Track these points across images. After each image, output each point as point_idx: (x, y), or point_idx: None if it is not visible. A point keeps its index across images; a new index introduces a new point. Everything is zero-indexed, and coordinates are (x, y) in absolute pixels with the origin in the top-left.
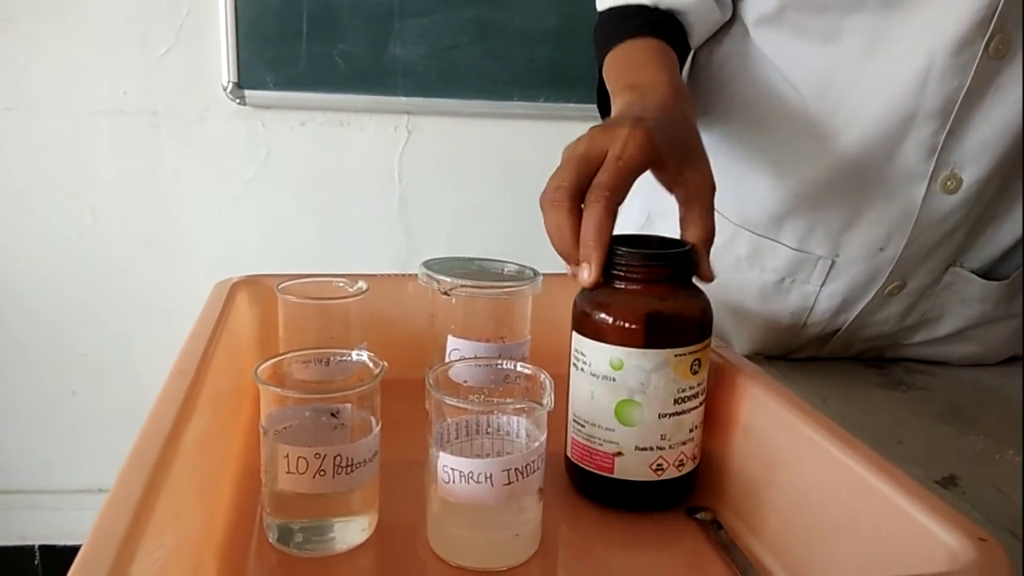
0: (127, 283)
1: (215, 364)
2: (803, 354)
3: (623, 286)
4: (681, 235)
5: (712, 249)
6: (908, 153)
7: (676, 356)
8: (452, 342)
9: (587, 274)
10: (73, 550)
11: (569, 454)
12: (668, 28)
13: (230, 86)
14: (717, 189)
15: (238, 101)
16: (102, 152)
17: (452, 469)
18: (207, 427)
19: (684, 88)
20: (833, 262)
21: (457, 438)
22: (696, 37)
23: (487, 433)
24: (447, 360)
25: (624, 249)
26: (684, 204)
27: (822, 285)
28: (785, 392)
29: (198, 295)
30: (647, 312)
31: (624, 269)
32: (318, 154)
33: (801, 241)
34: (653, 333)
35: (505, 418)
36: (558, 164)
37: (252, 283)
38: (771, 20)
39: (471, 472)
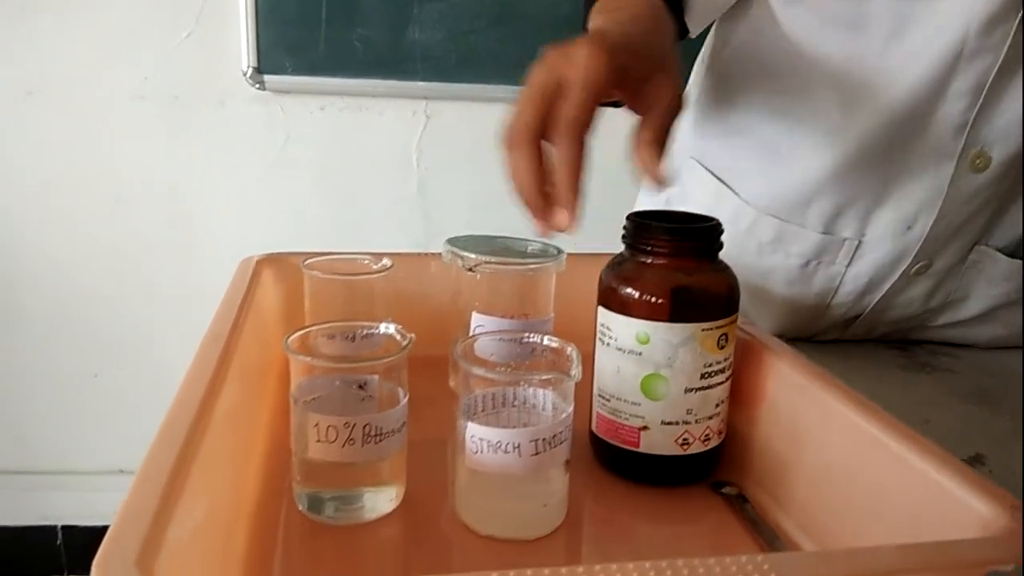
0: (148, 266)
1: (243, 339)
2: (826, 337)
3: (649, 260)
4: (631, 147)
5: (733, 235)
6: (937, 131)
7: (703, 330)
8: (476, 318)
9: (564, 219)
10: (94, 530)
11: (594, 428)
12: None
13: (250, 71)
14: (738, 175)
15: (258, 86)
16: (124, 136)
17: (480, 439)
18: (235, 400)
19: (663, 13)
20: (859, 243)
21: (483, 410)
22: (696, 14)
23: (513, 405)
24: (472, 334)
25: (651, 223)
26: (641, 120)
27: (848, 266)
28: (812, 367)
29: (219, 278)
30: (674, 286)
31: (651, 243)
32: (337, 139)
33: (827, 224)
34: (680, 307)
35: (532, 390)
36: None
37: (277, 260)
38: (797, 1)
39: (499, 442)
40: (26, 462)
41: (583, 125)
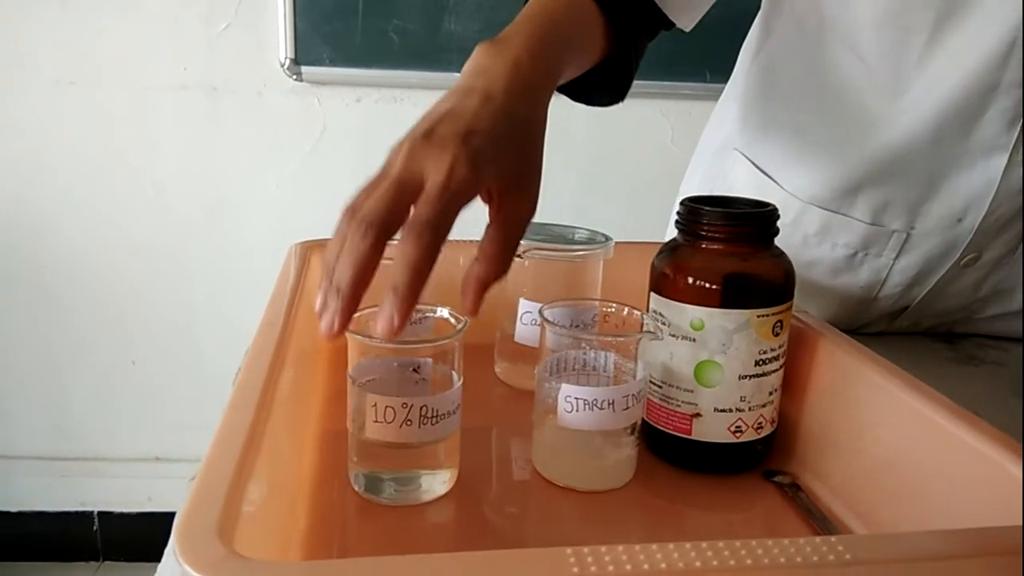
0: (186, 255)
1: (296, 323)
2: (872, 329)
3: (704, 245)
4: (473, 262)
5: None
6: (989, 124)
7: (759, 317)
8: (524, 304)
9: (390, 318)
10: (130, 517)
11: (644, 415)
12: None
13: (287, 62)
14: (783, 166)
15: (295, 77)
16: (163, 126)
17: (576, 398)
18: (291, 384)
19: (553, 55)
20: (908, 235)
21: (561, 371)
22: (678, 6)
23: (574, 369)
24: (519, 321)
25: (707, 208)
26: (491, 228)
27: (896, 258)
28: (868, 353)
29: (256, 267)
30: (730, 272)
31: (705, 228)
32: (373, 130)
33: (876, 215)
34: (735, 293)
35: (593, 353)
36: (383, 173)
37: (323, 246)
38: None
39: (595, 400)
40: (64, 449)
41: (438, 230)
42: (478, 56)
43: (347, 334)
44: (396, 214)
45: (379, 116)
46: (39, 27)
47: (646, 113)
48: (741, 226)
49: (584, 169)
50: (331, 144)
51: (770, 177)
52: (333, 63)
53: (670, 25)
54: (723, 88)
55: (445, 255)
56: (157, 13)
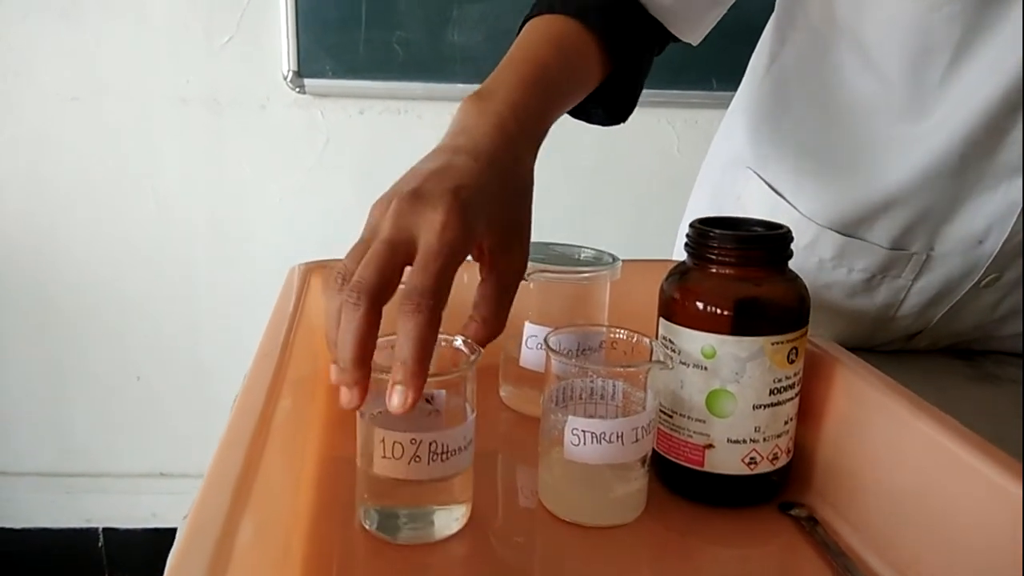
0: (190, 269)
1: (295, 350)
2: (888, 348)
3: (715, 270)
4: (467, 322)
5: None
6: (1014, 145)
7: (772, 344)
8: (529, 328)
9: (404, 400)
10: (135, 533)
11: (655, 444)
12: (618, 10)
13: (290, 75)
14: (797, 188)
15: (298, 90)
16: (166, 140)
17: (582, 431)
18: (289, 414)
19: (538, 106)
20: (928, 256)
21: (566, 401)
22: (685, 24)
23: (580, 398)
24: (524, 345)
25: (716, 231)
26: (484, 288)
27: (914, 280)
28: (887, 381)
29: (260, 281)
30: (742, 298)
31: (716, 252)
32: (376, 142)
33: (895, 239)
34: (748, 320)
35: (600, 381)
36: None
37: (325, 267)
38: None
39: (603, 433)
40: (68, 465)
41: (438, 299)
42: (462, 114)
43: None
44: (389, 279)
45: (383, 128)
46: (42, 41)
47: (651, 121)
48: (753, 250)
49: (589, 177)
50: (335, 156)
51: (784, 198)
52: (336, 75)
53: (678, 39)
54: (730, 96)
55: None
56: (160, 26)
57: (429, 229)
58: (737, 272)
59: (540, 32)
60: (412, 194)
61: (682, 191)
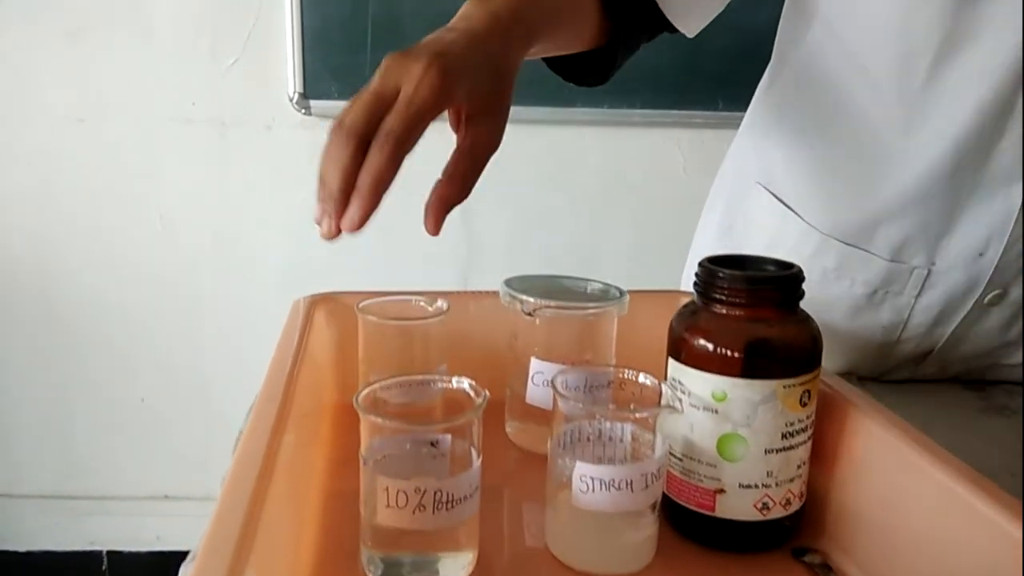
0: (195, 291)
1: (299, 387)
2: (898, 375)
3: (724, 311)
4: (437, 182)
5: (797, 260)
6: (1007, 151)
7: (785, 387)
8: (535, 364)
9: (353, 219)
10: (139, 555)
11: (664, 488)
12: None
13: (296, 96)
14: (806, 198)
15: (304, 111)
16: (171, 161)
17: (591, 478)
18: (293, 453)
19: (533, 16)
20: (929, 271)
21: (572, 444)
22: (680, 10)
23: (588, 439)
24: (530, 381)
25: (726, 271)
26: (456, 151)
27: (917, 296)
28: (900, 424)
29: (265, 303)
30: (753, 339)
31: (726, 292)
32: None
33: (895, 251)
34: (760, 362)
35: (609, 424)
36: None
37: (329, 300)
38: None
39: (612, 480)
40: (72, 487)
41: (401, 141)
42: (464, 6)
43: (360, 414)
44: (372, 123)
45: None
46: (48, 63)
47: (658, 142)
48: (764, 290)
49: (596, 198)
50: None
51: (792, 210)
52: (342, 96)
53: (673, 29)
54: (736, 116)
55: (455, 310)
56: (165, 48)
57: (409, 81)
58: (747, 313)
59: None
60: (403, 53)
61: (689, 211)
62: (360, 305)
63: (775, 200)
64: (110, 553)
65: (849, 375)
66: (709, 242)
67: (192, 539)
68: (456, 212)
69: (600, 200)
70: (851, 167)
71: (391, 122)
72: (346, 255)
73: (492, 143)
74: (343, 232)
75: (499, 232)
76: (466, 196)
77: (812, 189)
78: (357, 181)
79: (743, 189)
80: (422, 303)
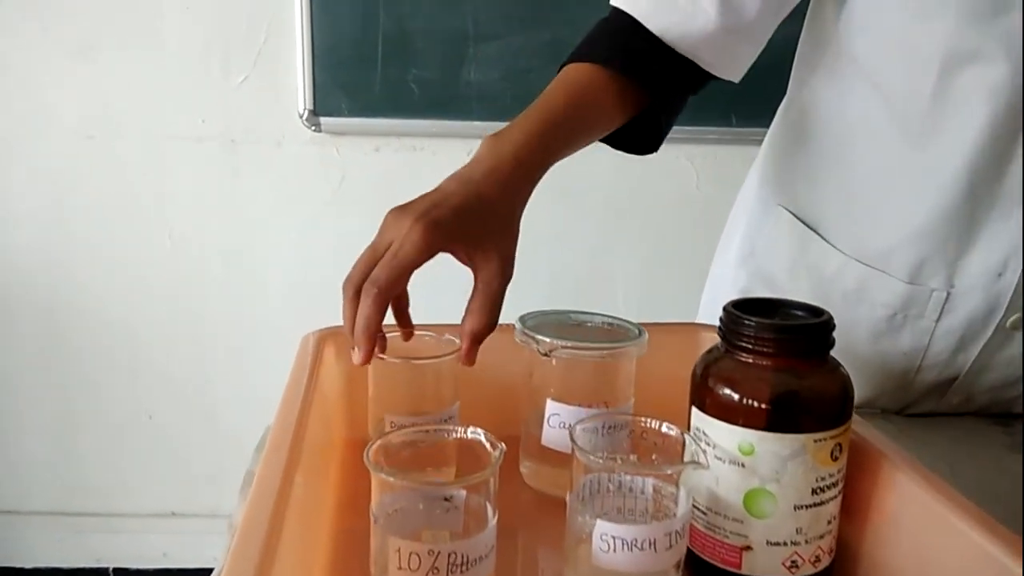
0: (205, 308)
1: (310, 425)
2: (921, 408)
3: (751, 359)
4: (463, 317)
5: (817, 282)
6: (1021, 169)
7: (816, 441)
8: (551, 406)
9: (355, 358)
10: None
11: (688, 542)
12: (649, 52)
13: (306, 113)
14: (827, 218)
15: (314, 128)
16: (181, 178)
17: (612, 537)
18: (304, 491)
19: (538, 150)
20: (948, 294)
21: (592, 497)
22: (724, 63)
23: (608, 491)
24: (546, 423)
25: (753, 319)
26: (473, 289)
27: (937, 320)
28: (932, 479)
29: (275, 319)
30: (783, 391)
31: (753, 340)
32: (392, 180)
33: (913, 273)
34: (788, 414)
35: (629, 477)
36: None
37: (338, 335)
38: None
39: (635, 539)
40: (80, 503)
41: (385, 287)
42: (480, 148)
43: (371, 471)
44: (366, 276)
45: (398, 165)
46: (59, 80)
47: (670, 158)
48: (793, 340)
49: (607, 214)
50: (350, 194)
51: (813, 230)
52: (352, 113)
53: (716, 78)
54: (749, 132)
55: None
56: (176, 65)
57: (397, 236)
58: (776, 362)
59: (562, 80)
60: (400, 209)
61: (702, 227)
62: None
63: (797, 221)
64: (116, 570)
65: (872, 408)
66: (730, 266)
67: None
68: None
69: (612, 215)
70: (869, 187)
71: (375, 273)
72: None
73: (499, 277)
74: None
75: None
76: (492, 326)
77: (833, 210)
78: (356, 328)
79: (764, 212)
80: (430, 337)
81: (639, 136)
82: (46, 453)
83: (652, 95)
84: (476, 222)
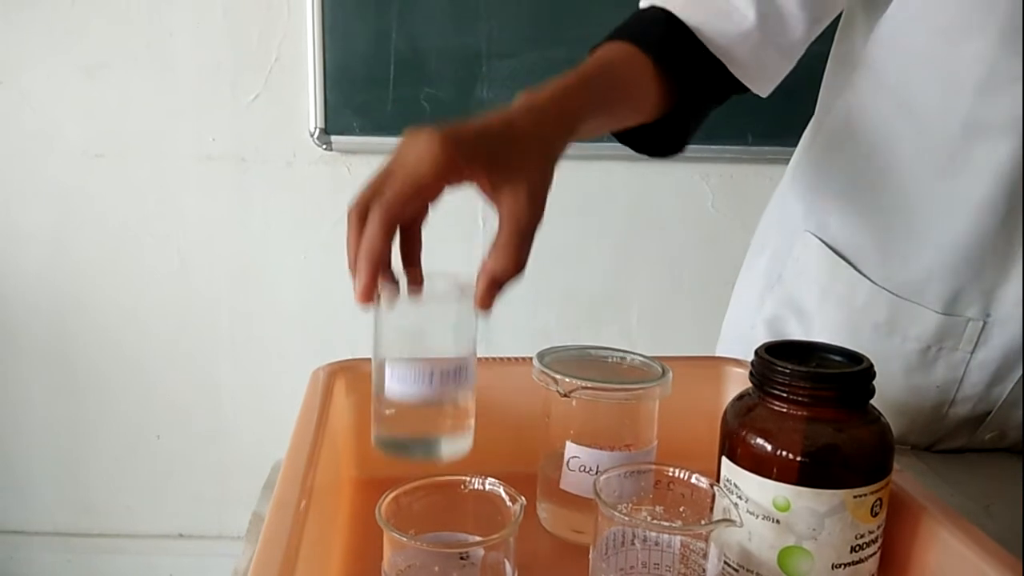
0: (213, 327)
1: (319, 464)
2: (953, 443)
3: (785, 408)
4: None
5: (848, 314)
6: None
7: (855, 497)
8: (571, 448)
9: (355, 291)
10: None
11: None
12: (681, 47)
13: (317, 132)
14: (859, 247)
15: (325, 147)
16: (191, 197)
17: None
18: (314, 532)
19: (573, 97)
20: (984, 324)
21: (612, 552)
22: (753, 73)
23: (632, 544)
24: (566, 466)
25: (789, 366)
26: (499, 226)
27: (972, 351)
28: (976, 534)
29: (285, 340)
30: (821, 445)
31: (788, 389)
32: None
33: (948, 303)
34: (827, 469)
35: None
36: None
37: (349, 369)
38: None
39: None
40: (87, 524)
41: (393, 208)
42: (514, 99)
43: (383, 529)
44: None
45: None
46: (67, 98)
47: (685, 176)
48: (832, 389)
49: (622, 233)
50: None
51: (843, 258)
52: (364, 132)
53: (743, 90)
54: (765, 151)
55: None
56: (186, 84)
57: (412, 152)
58: (812, 412)
59: (596, 55)
60: (415, 127)
61: (717, 246)
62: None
63: (825, 248)
64: None
65: (902, 444)
66: (755, 292)
67: None
68: (481, 249)
69: (626, 234)
70: (900, 214)
71: (385, 192)
72: None
73: (528, 211)
74: (362, 303)
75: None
76: (516, 270)
77: (863, 237)
78: (358, 251)
79: (791, 236)
80: (445, 280)
81: (663, 137)
82: (53, 473)
83: (681, 92)
84: (503, 145)
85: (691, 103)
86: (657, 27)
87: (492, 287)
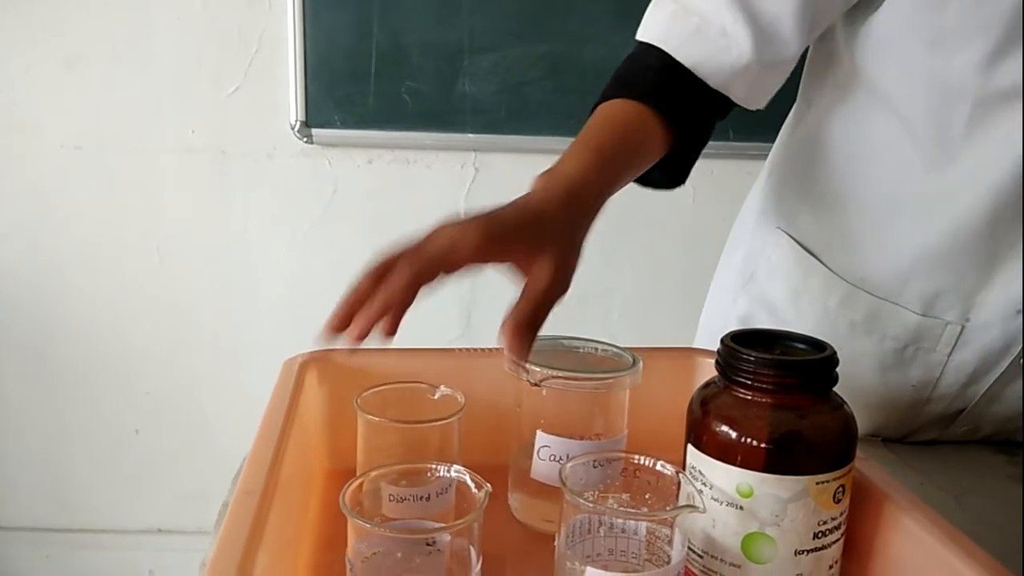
0: (193, 321)
1: (287, 455)
2: (924, 436)
3: (750, 396)
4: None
5: (823, 312)
6: None
7: (818, 484)
8: (541, 438)
9: (351, 331)
10: None
11: None
12: (680, 88)
13: (297, 125)
14: (832, 246)
15: (305, 140)
16: (170, 190)
17: None
18: (279, 523)
19: (593, 181)
20: (963, 327)
21: (578, 539)
22: (751, 94)
23: (598, 532)
24: (536, 455)
25: (753, 354)
26: (518, 298)
27: (950, 353)
28: (942, 524)
29: (265, 334)
30: (784, 431)
31: (752, 376)
32: (384, 192)
33: (927, 305)
34: (789, 455)
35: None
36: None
37: (322, 360)
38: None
39: None
40: (67, 520)
41: (415, 273)
42: (531, 184)
43: (348, 517)
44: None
45: (391, 178)
46: (47, 90)
47: (673, 206)
48: (795, 376)
49: (602, 227)
50: (342, 206)
51: (816, 257)
52: (344, 125)
53: (713, 117)
54: (746, 147)
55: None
56: (165, 76)
57: (451, 234)
58: (776, 400)
59: (604, 116)
60: (446, 220)
61: (698, 241)
62: (358, 400)
63: (798, 247)
64: None
65: (874, 437)
66: (729, 289)
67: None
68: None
69: (606, 230)
70: (880, 213)
71: (421, 251)
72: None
73: (551, 282)
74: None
75: None
76: (526, 335)
77: (838, 236)
78: (375, 298)
79: (765, 234)
80: (423, 388)
81: (667, 170)
82: (31, 469)
83: (683, 131)
84: (536, 229)
85: (696, 139)
86: (658, 75)
87: (518, 336)
